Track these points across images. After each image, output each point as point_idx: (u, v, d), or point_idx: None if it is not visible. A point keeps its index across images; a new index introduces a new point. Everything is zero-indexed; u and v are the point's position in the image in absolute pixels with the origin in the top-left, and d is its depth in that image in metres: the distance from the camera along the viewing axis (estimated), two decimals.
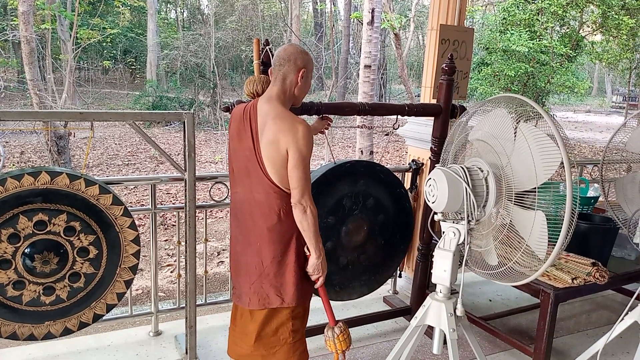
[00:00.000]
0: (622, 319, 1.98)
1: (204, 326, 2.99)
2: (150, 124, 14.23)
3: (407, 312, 3.18)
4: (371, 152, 7.26)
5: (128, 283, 2.40)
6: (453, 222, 1.73)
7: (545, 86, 9.88)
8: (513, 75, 9.36)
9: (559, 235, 1.54)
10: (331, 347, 2.07)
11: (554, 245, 1.56)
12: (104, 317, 2.40)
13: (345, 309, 3.32)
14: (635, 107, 20.46)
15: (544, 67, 9.90)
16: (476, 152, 1.77)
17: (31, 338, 2.24)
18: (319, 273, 2.03)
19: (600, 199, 3.03)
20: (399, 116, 2.76)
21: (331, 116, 2.54)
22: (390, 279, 3.63)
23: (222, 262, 5.46)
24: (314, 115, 2.49)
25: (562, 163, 1.51)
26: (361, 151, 7.09)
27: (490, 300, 3.61)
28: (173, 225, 6.47)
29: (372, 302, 3.44)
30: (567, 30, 10.82)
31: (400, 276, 3.56)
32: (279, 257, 2.03)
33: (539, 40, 9.51)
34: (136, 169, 10.19)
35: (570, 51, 9.82)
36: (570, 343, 3.03)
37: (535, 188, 1.60)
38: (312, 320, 2.37)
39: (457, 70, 2.85)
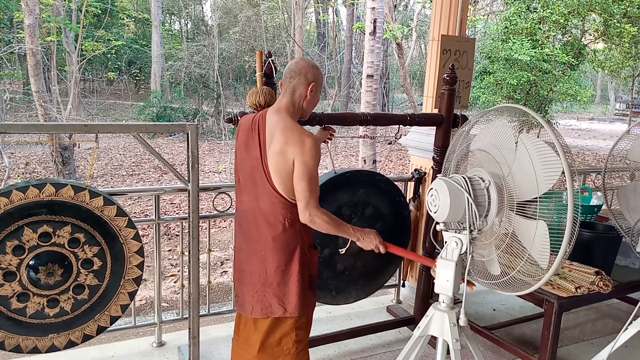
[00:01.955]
0: (627, 328, 1.97)
1: (207, 337, 2.99)
2: (155, 134, 14.30)
3: (411, 321, 3.17)
4: (374, 161, 7.27)
5: (132, 295, 2.41)
6: (455, 232, 1.74)
7: (548, 94, 9.89)
8: (515, 83, 9.38)
9: (561, 244, 1.54)
10: None
11: (557, 254, 1.56)
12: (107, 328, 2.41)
13: (348, 318, 3.31)
14: (638, 114, 20.41)
15: (546, 76, 9.91)
16: (478, 162, 1.77)
17: (35, 351, 2.24)
18: (371, 245, 2.06)
19: (604, 207, 3.03)
20: (401, 126, 2.77)
21: (334, 126, 2.55)
22: (393, 289, 3.62)
23: (225, 272, 5.46)
24: (316, 126, 2.51)
25: (563, 172, 1.51)
26: (364, 160, 7.10)
27: (494, 310, 3.59)
28: (177, 235, 6.48)
29: (375, 311, 3.43)
30: (569, 39, 10.85)
31: (403, 285, 3.55)
32: (282, 267, 2.04)
33: (541, 49, 9.53)
34: (140, 179, 10.23)
35: (573, 59, 9.83)
36: (575, 352, 3.01)
37: (537, 198, 1.61)
38: (315, 331, 2.37)
39: (458, 80, 2.86)
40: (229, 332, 3.07)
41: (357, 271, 2.82)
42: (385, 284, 3.53)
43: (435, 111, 3.20)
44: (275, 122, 1.99)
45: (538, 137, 1.65)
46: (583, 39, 10.64)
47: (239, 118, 2.26)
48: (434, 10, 3.36)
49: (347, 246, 2.11)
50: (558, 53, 9.50)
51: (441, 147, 2.86)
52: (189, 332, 2.57)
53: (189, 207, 2.46)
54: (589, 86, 13.03)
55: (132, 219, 2.33)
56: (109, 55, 16.63)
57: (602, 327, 3.41)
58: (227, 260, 5.78)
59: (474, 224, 1.66)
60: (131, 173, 10.78)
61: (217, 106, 16.74)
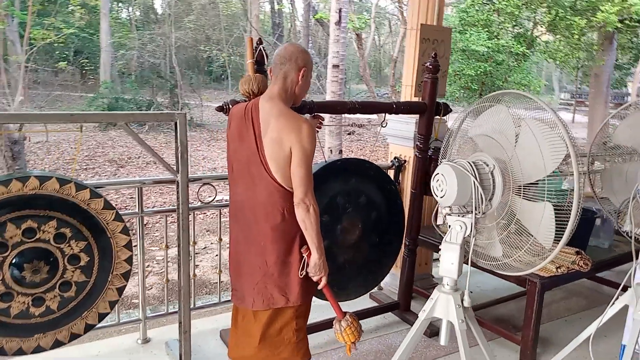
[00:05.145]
0: (613, 303, 2.08)
1: (194, 330, 2.92)
2: (106, 126, 13.78)
3: (395, 307, 3.23)
4: (340, 151, 7.31)
5: (120, 290, 2.32)
6: (459, 216, 1.78)
7: (502, 84, 10.23)
8: (473, 74, 9.64)
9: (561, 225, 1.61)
10: (340, 339, 2.09)
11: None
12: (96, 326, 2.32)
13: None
14: (582, 103, 21.51)
15: (500, 67, 10.24)
16: (479, 147, 1.82)
17: (20, 353, 2.13)
18: (321, 273, 2.02)
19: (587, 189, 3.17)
20: (376, 114, 2.78)
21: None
22: None
23: (196, 265, 5.36)
24: (306, 115, 2.49)
25: (566, 155, 1.57)
26: (330, 150, 7.12)
27: (471, 292, 3.69)
28: (148, 228, 6.29)
29: (358, 299, 3.46)
30: (521, 30, 11.23)
31: None
32: (282, 257, 2.02)
33: (497, 40, 9.83)
34: (95, 174, 9.86)
35: (527, 51, 10.21)
36: (551, 330, 3.15)
37: (538, 181, 1.66)
38: (312, 318, 2.36)
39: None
40: (216, 324, 3.04)
41: (356, 265, 2.81)
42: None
43: (415, 100, 3.25)
44: (269, 109, 1.97)
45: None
46: (535, 31, 11.05)
47: (230, 106, 2.22)
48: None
49: (304, 268, 2.03)
50: (513, 44, 9.83)
51: (425, 134, 2.91)
52: (180, 326, 2.51)
53: (177, 198, 2.40)
54: (537, 77, 13.57)
55: None
56: (55, 45, 15.85)
57: (572, 305, 3.59)
58: (196, 254, 5.68)
59: (479, 207, 1.70)
60: (85, 167, 10.36)
61: (172, 97, 16.30)
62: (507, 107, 1.79)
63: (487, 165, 1.72)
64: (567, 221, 1.62)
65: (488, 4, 10.14)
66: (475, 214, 1.72)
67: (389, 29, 25.67)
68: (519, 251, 1.69)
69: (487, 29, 9.89)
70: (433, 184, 1.75)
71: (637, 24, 11.03)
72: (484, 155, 1.75)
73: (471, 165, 1.69)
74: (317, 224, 1.96)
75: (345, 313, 2.14)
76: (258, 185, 2.00)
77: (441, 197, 1.71)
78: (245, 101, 2.18)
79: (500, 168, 1.70)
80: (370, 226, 2.82)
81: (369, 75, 12.46)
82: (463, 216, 1.76)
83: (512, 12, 9.62)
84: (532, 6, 9.87)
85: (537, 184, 1.66)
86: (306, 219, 1.94)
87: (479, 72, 9.69)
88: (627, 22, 10.54)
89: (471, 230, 1.75)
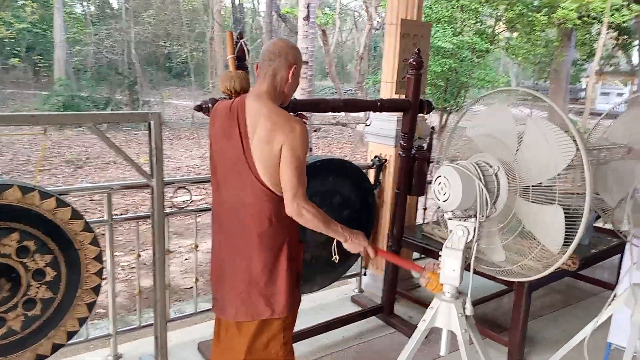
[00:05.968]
0: (610, 304, 2.05)
1: (168, 344, 2.75)
2: (62, 126, 13.19)
3: (379, 311, 3.14)
4: (310, 149, 7.18)
5: (90, 306, 2.14)
6: (461, 220, 1.68)
7: (467, 81, 10.33)
8: (440, 70, 9.69)
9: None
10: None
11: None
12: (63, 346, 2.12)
13: (314, 312, 3.21)
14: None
15: (464, 63, 10.34)
16: (479, 148, 1.73)
17: None
18: (360, 248, 1.91)
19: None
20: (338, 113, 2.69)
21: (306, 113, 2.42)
22: (355, 278, 3.57)
23: None
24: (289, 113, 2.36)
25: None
26: None
27: None
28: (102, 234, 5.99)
29: (340, 302, 3.36)
30: (482, 27, 11.39)
31: (365, 274, 3.51)
32: (269, 265, 1.90)
33: (462, 37, 9.92)
34: (52, 175, 9.39)
35: (491, 47, 10.35)
36: (536, 328, 3.12)
37: (548, 180, 1.59)
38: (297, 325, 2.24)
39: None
40: (192, 336, 2.88)
41: (322, 259, 2.72)
42: (346, 274, 3.48)
43: (396, 97, 3.16)
44: (257, 108, 1.83)
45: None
46: (497, 27, 11.22)
47: (210, 106, 2.06)
48: None
49: (336, 252, 1.95)
50: (477, 41, 9.94)
51: (408, 132, 2.83)
52: (156, 340, 2.34)
53: (152, 204, 2.23)
54: (499, 73, 13.84)
55: None
56: (5, 41, 15.03)
57: (553, 302, 3.58)
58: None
59: (483, 210, 1.62)
60: (41, 168, 9.86)
61: (131, 94, 15.77)
62: (507, 105, 1.71)
63: (491, 167, 1.64)
64: (572, 223, 1.56)
65: (452, 0, 10.19)
66: (479, 218, 1.63)
67: (353, 26, 25.63)
68: (525, 258, 1.62)
69: (451, 26, 9.96)
70: (435, 187, 1.65)
71: (593, 21, 11.38)
72: (486, 156, 1.67)
73: (475, 167, 1.61)
74: (320, 220, 1.82)
75: (424, 268, 1.89)
76: (244, 188, 1.86)
77: (444, 202, 1.61)
78: (226, 99, 2.04)
79: (504, 169, 1.62)
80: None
81: (335, 72, 12.37)
82: (465, 220, 1.67)
83: (475, 8, 9.73)
84: (494, 3, 10.00)
85: (541, 185, 1.58)
86: (306, 223, 1.82)
87: (444, 68, 9.75)
88: (584, 18, 10.82)
89: (474, 236, 1.66)
